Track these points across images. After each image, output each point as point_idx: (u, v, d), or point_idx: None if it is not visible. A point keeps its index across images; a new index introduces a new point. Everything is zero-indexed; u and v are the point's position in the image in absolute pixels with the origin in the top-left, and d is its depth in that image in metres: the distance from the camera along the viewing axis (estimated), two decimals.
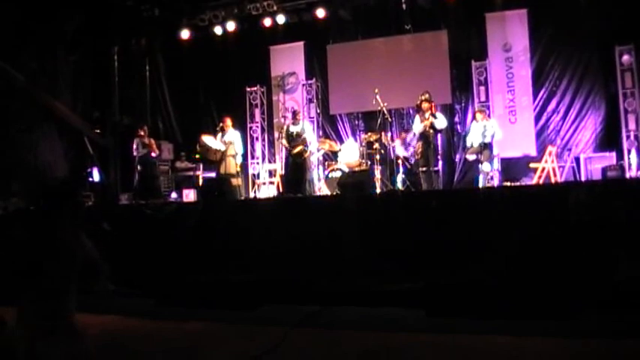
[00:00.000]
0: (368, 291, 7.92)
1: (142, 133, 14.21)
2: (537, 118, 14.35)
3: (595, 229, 7.16)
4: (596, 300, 6.72)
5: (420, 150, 12.65)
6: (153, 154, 14.30)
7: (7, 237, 5.56)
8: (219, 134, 13.65)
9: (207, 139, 13.53)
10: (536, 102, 14.37)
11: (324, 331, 6.86)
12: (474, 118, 13.34)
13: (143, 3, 16.00)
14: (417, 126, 12.70)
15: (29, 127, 14.18)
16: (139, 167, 14.27)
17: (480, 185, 12.58)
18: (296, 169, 13.28)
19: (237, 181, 13.51)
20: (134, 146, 14.18)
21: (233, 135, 13.68)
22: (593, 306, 6.67)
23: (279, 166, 15.56)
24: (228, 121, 13.80)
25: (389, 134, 13.74)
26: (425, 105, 12.54)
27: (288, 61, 16.60)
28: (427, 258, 7.88)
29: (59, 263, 4.11)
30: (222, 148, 13.44)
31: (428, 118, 12.45)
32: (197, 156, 14.99)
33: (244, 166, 15.50)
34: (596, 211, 7.28)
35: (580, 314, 6.56)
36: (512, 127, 14.36)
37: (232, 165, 13.48)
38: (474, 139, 12.86)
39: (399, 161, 13.67)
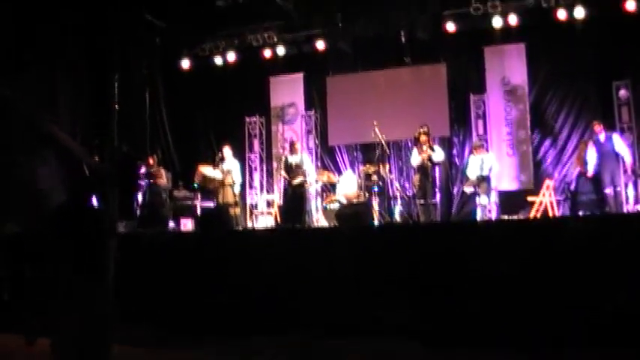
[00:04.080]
0: (363, 322, 7.90)
1: (151, 162, 14.26)
2: (535, 152, 14.39)
3: (590, 263, 7.17)
4: (589, 333, 6.72)
5: (417, 183, 12.70)
6: (160, 183, 14.35)
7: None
8: (219, 163, 13.69)
9: (205, 169, 13.58)
10: (534, 135, 14.42)
11: None
12: (471, 151, 13.40)
13: (145, 32, 16.10)
14: (415, 158, 12.76)
15: (28, 152, 14.21)
16: (142, 195, 14.29)
17: (478, 218, 12.61)
18: (295, 199, 13.30)
19: (235, 211, 13.52)
20: (141, 174, 14.21)
21: (231, 164, 13.73)
22: (586, 339, 6.66)
23: (277, 197, 15.58)
24: (227, 150, 13.85)
25: (387, 166, 13.78)
26: (423, 138, 12.61)
27: (288, 92, 16.68)
28: (423, 290, 7.87)
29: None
30: (220, 176, 13.48)
31: (426, 151, 12.51)
32: (195, 185, 15.02)
33: (242, 196, 15.50)
34: (592, 246, 7.29)
35: (571, 347, 6.55)
36: (510, 161, 14.41)
37: (230, 194, 13.51)
38: (471, 171, 12.91)
39: (397, 193, 13.70)
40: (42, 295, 4.38)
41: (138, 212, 14.48)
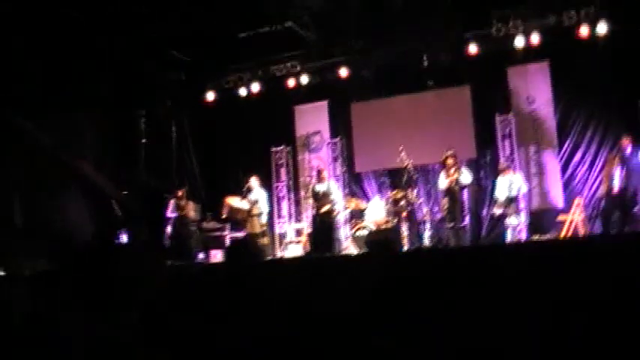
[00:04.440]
0: (400, 350, 7.82)
1: (180, 194, 14.35)
2: (563, 170, 14.25)
3: (623, 282, 7.04)
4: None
5: (446, 206, 12.65)
6: (190, 216, 14.44)
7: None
8: (246, 194, 13.73)
9: (231, 200, 13.65)
10: (562, 153, 14.30)
11: None
12: (499, 172, 13.32)
13: (169, 66, 16.27)
14: (443, 182, 12.73)
15: (56, 189, 14.35)
16: (170, 228, 14.38)
17: (508, 240, 12.51)
18: (324, 227, 13.30)
19: (263, 241, 13.54)
20: (169, 207, 14.31)
21: (259, 194, 13.78)
22: None
23: (305, 225, 15.57)
24: (254, 181, 13.91)
25: (415, 191, 13.73)
26: (450, 161, 12.60)
27: (313, 120, 16.73)
28: (457, 316, 7.78)
29: None
30: (246, 207, 13.52)
31: (453, 174, 12.47)
32: (223, 217, 15.09)
33: (271, 226, 15.51)
34: (623, 265, 7.17)
35: None
36: (538, 180, 14.30)
37: (257, 224, 13.57)
38: (500, 193, 12.84)
39: (426, 218, 13.63)
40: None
41: (166, 245, 14.56)
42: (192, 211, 14.61)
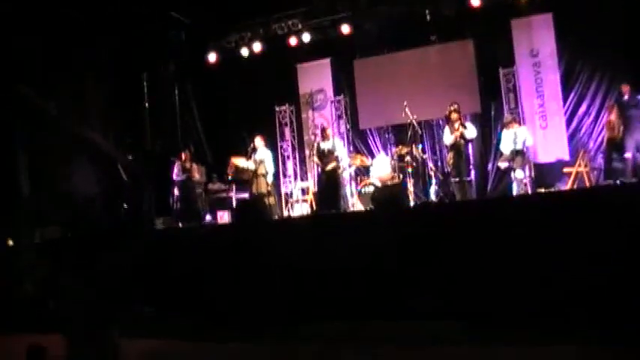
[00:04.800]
0: (406, 305, 7.90)
1: (184, 158, 14.38)
2: (568, 122, 14.21)
3: (630, 232, 7.06)
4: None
5: (451, 161, 12.66)
6: (195, 178, 14.48)
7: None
8: (251, 154, 13.74)
9: (237, 161, 13.65)
10: (567, 106, 14.24)
11: (366, 348, 6.85)
12: (504, 125, 13.29)
13: (169, 28, 16.19)
14: (448, 137, 12.72)
15: (63, 156, 14.37)
16: (176, 191, 14.43)
17: (514, 193, 12.53)
18: (330, 185, 13.32)
19: (270, 200, 13.57)
20: (175, 170, 14.35)
21: (264, 154, 13.77)
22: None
23: (311, 184, 15.61)
24: (259, 140, 13.89)
25: (420, 146, 13.73)
26: (454, 115, 12.57)
27: (316, 78, 16.67)
28: (464, 269, 7.84)
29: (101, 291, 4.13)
30: (252, 167, 13.54)
31: (458, 129, 12.47)
32: (229, 178, 15.12)
33: (277, 185, 15.55)
34: (630, 214, 7.19)
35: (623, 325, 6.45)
36: (544, 133, 14.27)
37: (263, 184, 13.57)
38: (505, 146, 12.83)
39: (432, 172, 13.65)
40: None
41: (174, 207, 14.63)
42: (197, 173, 14.65)
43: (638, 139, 12.10)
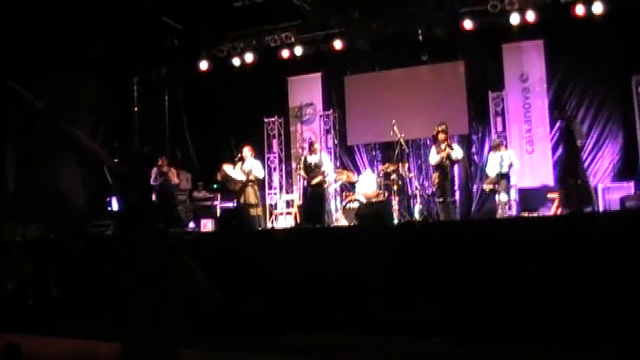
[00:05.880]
0: (385, 320, 7.92)
1: (160, 162, 14.33)
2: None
3: (613, 259, 7.14)
4: (613, 330, 6.69)
5: (436, 181, 12.70)
6: (172, 182, 14.41)
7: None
8: (239, 163, 13.73)
9: (228, 169, 13.63)
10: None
11: None
12: (491, 148, 13.38)
13: (163, 33, 16.18)
14: (434, 157, 12.77)
15: (50, 155, 14.34)
16: (154, 196, 14.39)
17: (498, 215, 12.58)
18: (315, 199, 13.32)
19: (256, 211, 13.55)
20: (152, 175, 14.32)
21: (252, 163, 13.76)
22: (610, 336, 6.64)
23: (296, 197, 15.60)
24: (247, 151, 13.88)
25: (406, 165, 13.78)
26: (441, 136, 12.63)
27: (306, 91, 16.72)
28: (445, 287, 7.88)
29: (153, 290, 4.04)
30: (243, 178, 13.53)
31: (444, 149, 12.52)
32: (215, 185, 15.11)
33: (262, 196, 15.56)
34: (614, 242, 7.27)
35: (597, 343, 6.53)
36: (530, 157, 14.37)
37: (252, 195, 13.55)
38: (491, 169, 12.89)
39: (417, 192, 13.71)
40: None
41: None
42: (174, 177, 14.55)
43: None
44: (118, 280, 4.18)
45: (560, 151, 12.97)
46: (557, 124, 13.24)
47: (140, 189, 15.03)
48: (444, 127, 12.70)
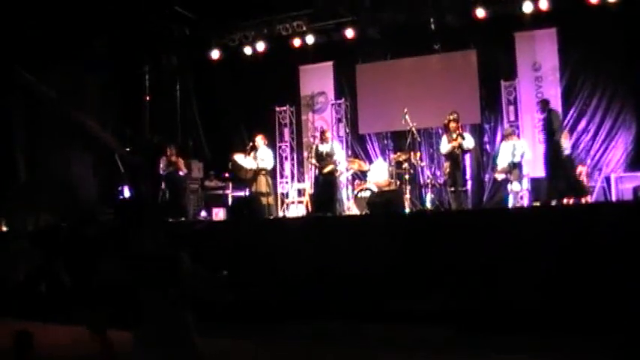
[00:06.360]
0: (397, 309, 7.91)
1: (169, 152, 14.33)
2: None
3: (626, 249, 7.11)
4: (627, 319, 6.67)
5: (447, 170, 12.66)
6: (180, 173, 14.40)
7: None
8: (252, 152, 13.73)
9: (239, 158, 13.62)
10: (566, 121, 14.24)
11: (355, 350, 6.86)
12: (503, 137, 13.32)
13: (174, 22, 16.17)
14: (445, 146, 12.71)
15: (60, 143, 14.38)
16: (163, 185, 14.41)
17: (510, 205, 12.53)
18: (326, 188, 13.30)
19: (267, 200, 13.55)
20: (161, 165, 14.32)
21: (264, 152, 13.76)
22: (623, 325, 6.61)
23: (308, 185, 15.58)
24: (260, 140, 13.88)
25: (418, 154, 13.74)
26: (452, 125, 12.56)
27: (318, 80, 16.68)
28: (456, 277, 7.86)
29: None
30: (254, 166, 13.53)
31: (456, 139, 12.46)
32: (227, 174, 15.10)
33: (274, 185, 15.54)
34: (627, 231, 7.23)
35: (610, 332, 6.51)
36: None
37: (263, 183, 13.56)
38: (503, 158, 12.84)
39: (428, 181, 13.68)
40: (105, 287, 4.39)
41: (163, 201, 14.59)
42: (183, 166, 14.54)
43: None
44: (117, 273, 4.18)
45: (543, 144, 12.89)
46: (541, 116, 13.20)
47: (149, 179, 15.09)
48: (455, 116, 12.64)
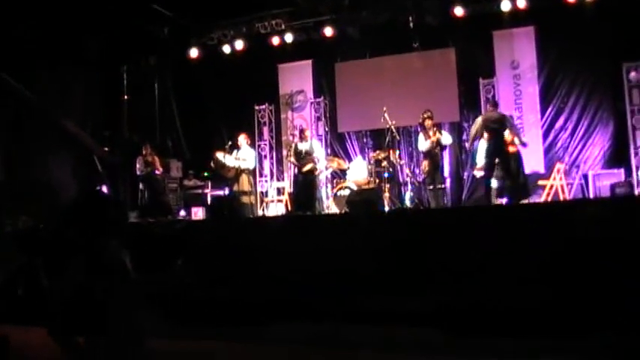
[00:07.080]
0: (378, 310, 7.91)
1: (144, 152, 14.25)
2: (545, 135, 14.33)
3: (603, 247, 7.14)
4: (606, 320, 6.69)
5: (426, 168, 12.71)
6: (157, 172, 14.34)
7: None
8: (234, 151, 13.71)
9: (222, 156, 13.59)
10: (544, 119, 14.36)
11: (339, 352, 6.84)
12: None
13: (152, 22, 16.09)
14: (423, 144, 12.76)
15: (39, 145, 14.29)
16: (141, 185, 14.35)
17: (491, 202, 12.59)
18: (306, 186, 13.31)
19: (249, 199, 13.56)
20: (137, 165, 14.24)
21: (247, 152, 13.74)
22: (603, 326, 6.63)
23: (287, 184, 15.58)
24: (242, 138, 13.87)
25: (397, 152, 13.77)
26: (428, 122, 12.66)
27: (297, 79, 16.67)
28: (437, 276, 7.87)
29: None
30: (236, 164, 13.51)
31: (434, 134, 12.52)
32: (206, 173, 15.08)
33: (253, 184, 15.53)
34: (604, 229, 7.27)
35: (589, 334, 6.52)
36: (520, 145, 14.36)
37: (246, 182, 13.57)
38: (481, 156, 12.88)
39: (408, 179, 13.71)
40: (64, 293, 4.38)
41: (141, 202, 14.53)
42: (160, 166, 14.48)
43: None
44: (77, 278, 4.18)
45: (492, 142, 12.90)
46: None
47: (128, 179, 15.03)
48: (429, 113, 12.74)
